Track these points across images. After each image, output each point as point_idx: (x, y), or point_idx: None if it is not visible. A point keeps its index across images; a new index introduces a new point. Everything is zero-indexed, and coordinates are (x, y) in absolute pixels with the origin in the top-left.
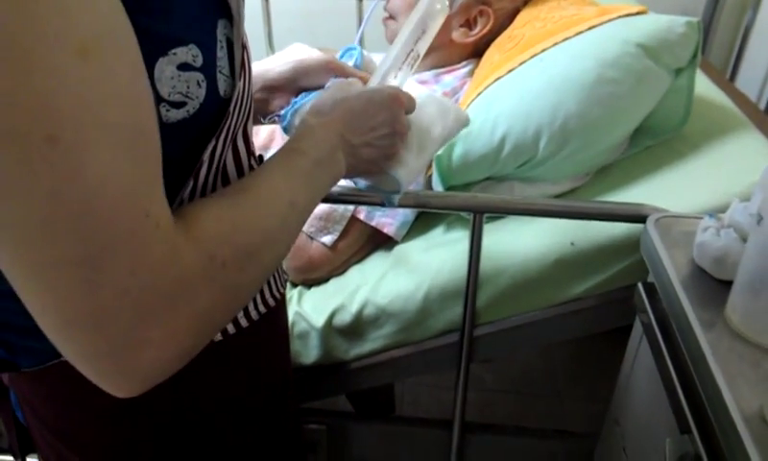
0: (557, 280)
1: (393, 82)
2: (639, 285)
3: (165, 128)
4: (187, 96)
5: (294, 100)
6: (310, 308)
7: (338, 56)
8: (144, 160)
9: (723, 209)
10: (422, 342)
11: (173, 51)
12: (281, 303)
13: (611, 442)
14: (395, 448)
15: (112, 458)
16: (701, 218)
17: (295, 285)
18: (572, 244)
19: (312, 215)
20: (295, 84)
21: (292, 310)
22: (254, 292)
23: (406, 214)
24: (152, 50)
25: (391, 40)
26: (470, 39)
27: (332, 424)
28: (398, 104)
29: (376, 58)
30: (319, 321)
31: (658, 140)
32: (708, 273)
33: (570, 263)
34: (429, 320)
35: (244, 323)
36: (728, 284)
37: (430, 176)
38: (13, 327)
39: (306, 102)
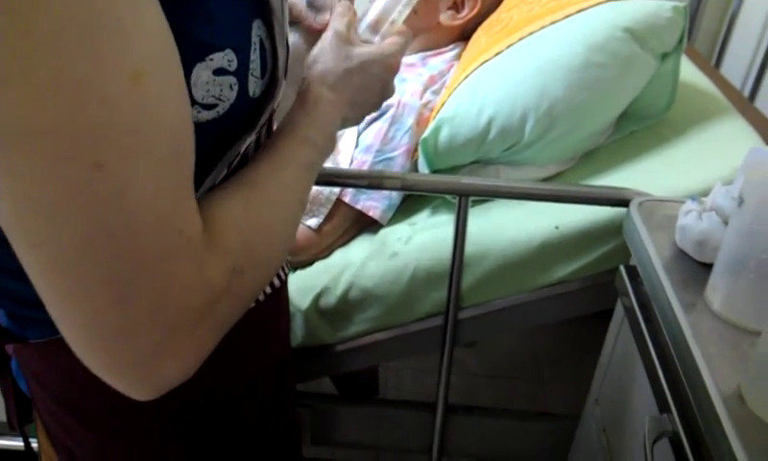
0: (541, 264)
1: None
2: (621, 268)
3: (194, 127)
4: (219, 99)
5: None
6: (295, 291)
7: None
8: (182, 179)
9: (705, 193)
10: (407, 325)
11: (210, 57)
12: (284, 283)
13: (591, 423)
14: (378, 431)
15: (119, 429)
16: (683, 202)
17: None
18: (557, 228)
19: None
20: None
21: None
22: (265, 287)
23: (392, 197)
24: (191, 56)
25: None
26: (458, 22)
27: (316, 407)
28: (392, 74)
29: None
30: (303, 303)
31: (642, 125)
32: (690, 256)
33: (554, 247)
34: (414, 303)
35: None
36: (709, 267)
37: (416, 159)
38: (21, 299)
39: None
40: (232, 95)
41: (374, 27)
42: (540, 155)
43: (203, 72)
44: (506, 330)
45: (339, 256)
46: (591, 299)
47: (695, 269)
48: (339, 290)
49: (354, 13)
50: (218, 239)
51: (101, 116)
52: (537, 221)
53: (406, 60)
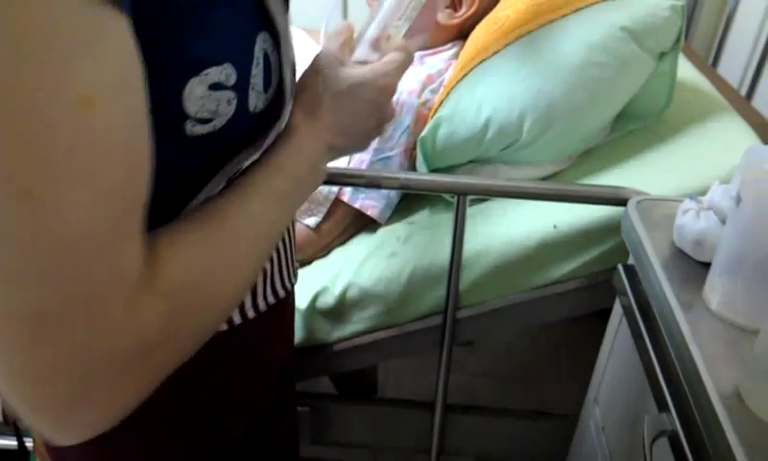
0: (539, 263)
1: (387, 38)
2: (620, 267)
3: (188, 141)
4: (216, 113)
5: None
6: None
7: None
8: (127, 212)
9: (703, 192)
10: (405, 324)
11: (205, 72)
12: (290, 294)
13: (590, 422)
14: (377, 430)
15: (106, 434)
16: (681, 201)
17: None
18: (555, 227)
19: None
20: None
21: None
22: (212, 333)
23: (390, 196)
24: (184, 70)
25: None
26: (456, 21)
27: (315, 406)
28: (386, 96)
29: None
30: (302, 303)
31: (640, 124)
32: (688, 255)
33: (553, 246)
34: (412, 302)
35: (251, 313)
36: (707, 266)
37: (414, 158)
38: None
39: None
40: (230, 110)
41: (375, 45)
42: (537, 154)
43: (197, 87)
44: (504, 330)
45: (337, 256)
46: (589, 298)
47: (693, 268)
48: (337, 289)
49: (352, 32)
50: (160, 280)
51: (36, 142)
52: (535, 220)
53: None
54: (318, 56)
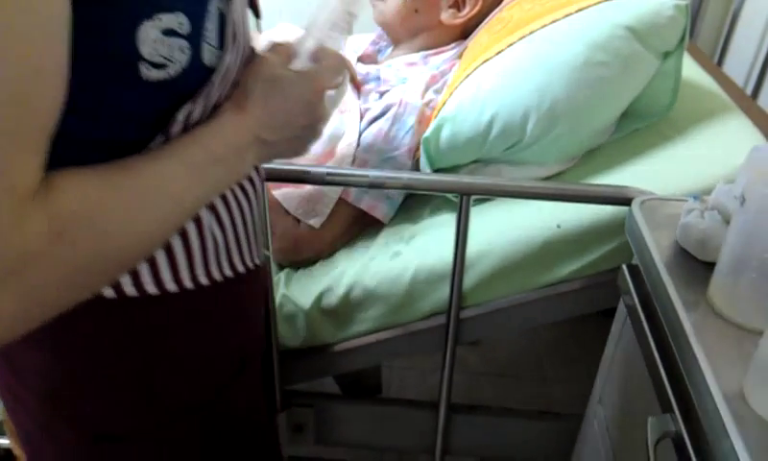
0: (543, 263)
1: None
2: (624, 267)
3: (144, 85)
4: (168, 60)
5: None
6: (297, 291)
7: None
8: (24, 129)
9: (708, 192)
10: (409, 324)
11: (158, 16)
12: (254, 275)
13: (594, 422)
14: (381, 430)
15: (53, 387)
16: (685, 200)
17: (282, 267)
18: (559, 227)
19: (300, 197)
20: None
21: (279, 293)
22: (104, 283)
23: (394, 197)
24: (138, 12)
25: (379, 22)
26: (459, 21)
27: (319, 406)
28: (318, 95)
29: (361, 38)
30: (306, 303)
31: (644, 124)
32: (692, 254)
33: (556, 246)
34: (416, 302)
35: (204, 280)
36: (711, 266)
37: (418, 158)
38: None
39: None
40: (184, 59)
41: (313, 57)
42: (541, 154)
43: (150, 30)
44: (508, 329)
45: (341, 256)
46: (593, 298)
47: (697, 268)
48: (341, 290)
49: (291, 47)
50: (52, 201)
51: None
52: (538, 220)
53: (407, 58)
54: (256, 57)
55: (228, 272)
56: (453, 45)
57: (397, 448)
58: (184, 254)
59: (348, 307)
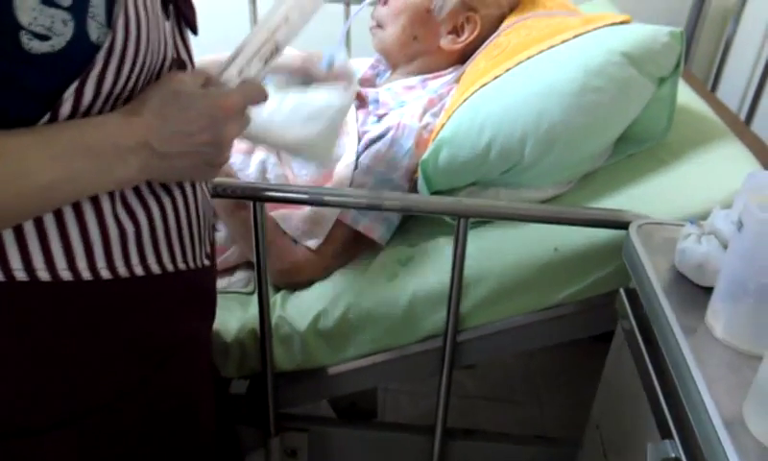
0: (540, 286)
1: (235, 76)
2: (621, 291)
3: (28, 58)
4: (51, 31)
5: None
6: (293, 312)
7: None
8: None
9: (704, 217)
10: (406, 347)
11: None
12: (170, 278)
13: (592, 447)
14: (376, 454)
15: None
16: (682, 225)
17: (278, 289)
18: (556, 250)
19: (297, 218)
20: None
21: (275, 314)
22: None
23: (391, 219)
24: None
25: (378, 49)
26: (458, 46)
27: (313, 430)
28: (223, 112)
29: (360, 62)
30: (302, 325)
31: (640, 148)
32: (690, 279)
33: (554, 269)
34: (413, 325)
35: (105, 273)
36: (709, 290)
37: (415, 180)
38: None
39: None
40: (67, 32)
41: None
42: (538, 177)
43: None
44: (505, 352)
45: (338, 277)
46: (590, 321)
47: (695, 292)
48: (337, 312)
49: (208, 72)
50: None
51: None
52: (536, 243)
53: (406, 82)
54: (166, 73)
55: (139, 270)
56: (451, 70)
57: None
58: (81, 242)
59: (344, 330)
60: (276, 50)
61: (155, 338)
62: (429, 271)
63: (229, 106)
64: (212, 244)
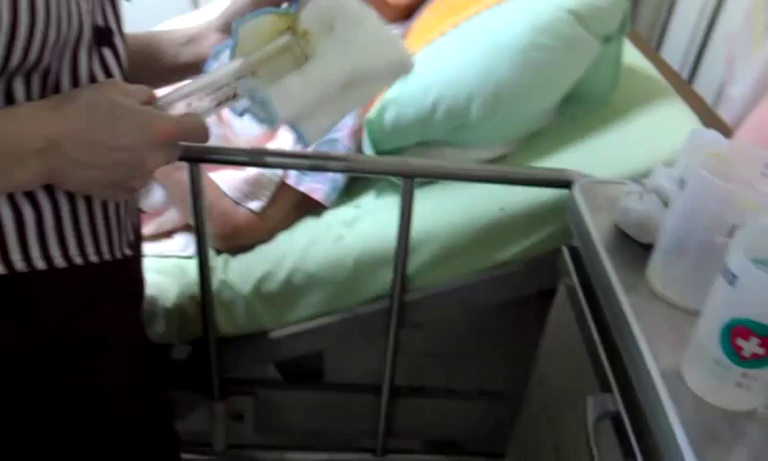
0: (486, 245)
1: (181, 106)
2: (564, 249)
3: None
4: None
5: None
6: (236, 275)
7: None
8: None
9: (647, 175)
10: (352, 308)
11: None
12: (77, 272)
13: (535, 402)
14: (323, 415)
15: None
16: (624, 183)
17: (219, 252)
18: (501, 210)
19: (239, 180)
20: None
21: (217, 278)
22: None
23: (336, 180)
24: None
25: None
26: (404, 0)
27: (259, 393)
28: (154, 136)
29: None
30: (245, 289)
31: (586, 108)
32: (631, 236)
33: (499, 228)
34: (359, 286)
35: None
36: (650, 248)
37: (361, 140)
38: None
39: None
40: None
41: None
42: (485, 136)
43: None
44: (452, 312)
45: (282, 240)
46: (534, 280)
47: (636, 250)
48: (282, 275)
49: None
50: None
51: None
52: (481, 203)
53: None
54: (108, 79)
55: (41, 263)
56: (397, 25)
57: (341, 432)
58: None
59: (288, 293)
60: (234, 97)
61: (62, 335)
62: (376, 232)
63: (165, 131)
64: (137, 230)
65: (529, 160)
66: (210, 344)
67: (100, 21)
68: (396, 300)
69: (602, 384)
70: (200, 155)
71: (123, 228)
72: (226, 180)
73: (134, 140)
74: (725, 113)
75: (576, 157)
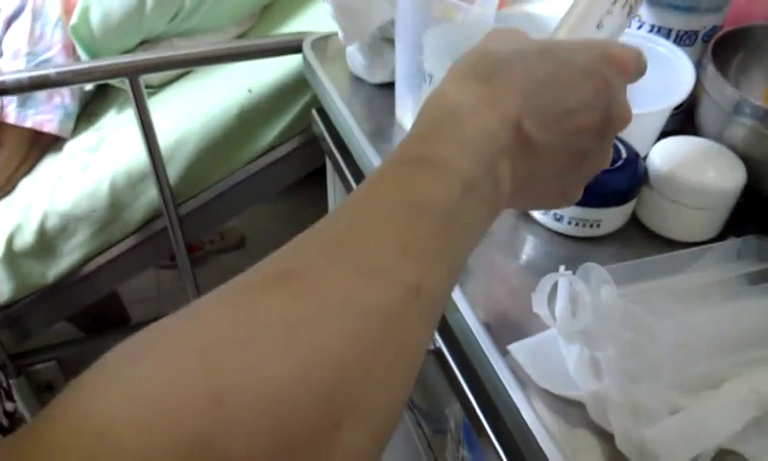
0: (244, 133)
1: (596, 33)
2: (314, 112)
3: None
4: None
5: None
6: None
7: None
8: None
9: None
10: (128, 238)
11: None
12: None
13: None
14: None
15: None
16: None
17: None
18: (250, 91)
19: None
20: None
21: None
22: None
23: (66, 106)
24: None
25: None
26: None
27: (62, 357)
28: (617, 66)
29: None
30: None
31: None
32: (366, 80)
33: (253, 111)
34: (124, 213)
35: None
36: (390, 86)
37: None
38: None
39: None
40: None
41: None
42: (210, 19)
43: None
44: (233, 215)
45: (24, 186)
46: (303, 160)
47: (377, 93)
48: (34, 224)
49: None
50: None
51: None
52: (229, 89)
53: None
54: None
55: None
56: None
57: None
58: None
59: (48, 241)
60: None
61: None
62: (125, 150)
63: (626, 59)
64: None
65: (269, 32)
66: None
67: None
68: (171, 216)
69: None
70: None
71: None
72: None
73: (594, 89)
74: None
75: (315, 19)
